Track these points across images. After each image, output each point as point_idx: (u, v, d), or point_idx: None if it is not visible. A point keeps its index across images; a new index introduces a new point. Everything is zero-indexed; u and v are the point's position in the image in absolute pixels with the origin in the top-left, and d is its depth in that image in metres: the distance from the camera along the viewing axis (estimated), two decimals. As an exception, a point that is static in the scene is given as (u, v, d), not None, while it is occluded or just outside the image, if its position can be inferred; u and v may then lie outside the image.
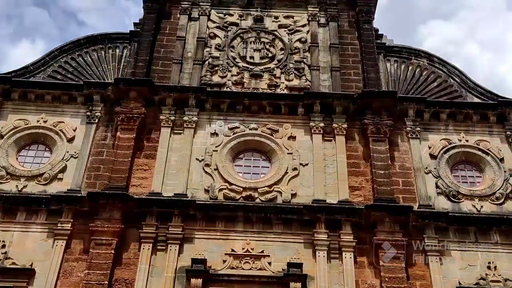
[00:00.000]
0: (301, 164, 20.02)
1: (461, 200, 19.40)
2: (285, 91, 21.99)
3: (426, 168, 20.06)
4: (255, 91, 21.90)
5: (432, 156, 20.39)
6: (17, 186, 19.17)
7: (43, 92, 21.25)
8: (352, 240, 18.16)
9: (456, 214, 18.79)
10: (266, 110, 21.21)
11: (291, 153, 20.25)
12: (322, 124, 20.77)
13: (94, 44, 23.15)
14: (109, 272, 17.28)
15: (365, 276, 17.76)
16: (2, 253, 17.71)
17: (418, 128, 20.88)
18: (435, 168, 20.09)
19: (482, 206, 19.23)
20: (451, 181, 19.87)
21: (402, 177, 19.84)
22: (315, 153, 20.19)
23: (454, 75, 22.74)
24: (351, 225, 18.39)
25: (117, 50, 23.12)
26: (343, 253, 17.96)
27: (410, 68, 22.91)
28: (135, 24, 24.21)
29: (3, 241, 17.92)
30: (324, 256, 17.86)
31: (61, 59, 22.69)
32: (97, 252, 17.58)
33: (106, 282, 17.07)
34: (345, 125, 20.75)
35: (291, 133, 20.76)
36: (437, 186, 19.72)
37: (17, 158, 20.15)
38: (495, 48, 62.35)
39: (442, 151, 20.52)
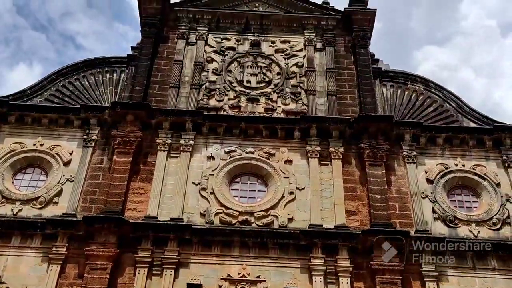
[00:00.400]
0: (297, 188, 19.98)
1: (458, 225, 19.35)
2: (282, 115, 22.06)
3: (423, 192, 20.04)
4: (252, 115, 21.96)
5: (429, 181, 20.38)
6: (12, 210, 19.07)
7: (40, 115, 21.25)
8: (349, 265, 18.05)
9: (453, 240, 18.69)
10: (263, 134, 21.23)
11: (288, 177, 20.22)
12: (318, 148, 20.78)
13: (92, 68, 23.24)
14: (104, 297, 17.09)
15: (362, 302, 17.64)
16: (-4, 278, 17.56)
17: (415, 153, 20.90)
18: (431, 193, 20.07)
19: (479, 232, 19.17)
20: (448, 206, 19.84)
21: (398, 201, 19.81)
22: (311, 177, 20.18)
23: (450, 100, 22.85)
24: (348, 250, 18.30)
25: (115, 74, 23.21)
26: (340, 278, 17.82)
27: (406, 93, 23.02)
28: (132, 48, 24.37)
29: (-3, 266, 17.81)
30: (320, 281, 17.73)
31: (58, 83, 22.75)
32: (91, 276, 17.42)
33: (101, 307, 16.88)
34: (341, 149, 20.76)
35: (287, 157, 20.75)
36: (433, 211, 19.67)
37: (12, 182, 20.07)
38: (490, 74, 62.85)
39: (438, 176, 20.51)
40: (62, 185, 19.77)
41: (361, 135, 20.91)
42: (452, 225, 19.37)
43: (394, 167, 20.67)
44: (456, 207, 20.03)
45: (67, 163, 20.33)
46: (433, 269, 18.17)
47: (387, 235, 18.25)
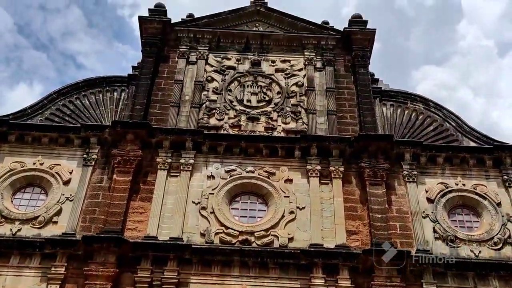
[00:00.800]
0: (298, 207, 19.93)
1: (459, 245, 19.26)
2: (282, 134, 22.08)
3: (423, 212, 19.98)
4: (252, 134, 21.99)
5: (429, 200, 20.34)
6: (11, 229, 18.98)
7: (40, 134, 21.25)
8: (349, 285, 17.95)
9: (454, 259, 18.56)
10: (263, 153, 21.22)
11: (288, 196, 20.18)
12: (319, 167, 20.76)
13: (93, 87, 23.30)
14: (102, 317, 16.97)
15: (363, 322, 17.52)
16: (-6, 298, 17.47)
17: (415, 172, 20.87)
18: (432, 212, 20.02)
19: (480, 251, 19.09)
20: (449, 225, 19.77)
21: (399, 221, 19.75)
22: (312, 197, 20.13)
23: (450, 119, 22.89)
24: (348, 269, 18.20)
25: (115, 93, 23.26)
26: (341, 299, 17.70)
27: (406, 112, 23.07)
28: (133, 67, 24.47)
29: (-4, 286, 17.71)
30: (321, 301, 17.60)
31: (59, 102, 22.79)
32: (90, 297, 17.32)
33: (100, 328, 16.77)
34: (342, 168, 20.74)
35: (287, 176, 20.73)
36: (434, 231, 19.61)
37: (12, 201, 20.00)
38: (488, 93, 63.21)
39: (439, 195, 20.47)
40: (61, 204, 19.70)
41: (361, 154, 20.90)
42: (453, 245, 19.30)
43: (395, 186, 20.63)
44: (457, 226, 19.96)
45: (66, 182, 20.28)
46: (435, 289, 18.06)
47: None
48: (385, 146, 20.92)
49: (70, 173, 20.50)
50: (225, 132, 22.08)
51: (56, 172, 20.47)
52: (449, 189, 20.68)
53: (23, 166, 20.61)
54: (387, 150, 20.94)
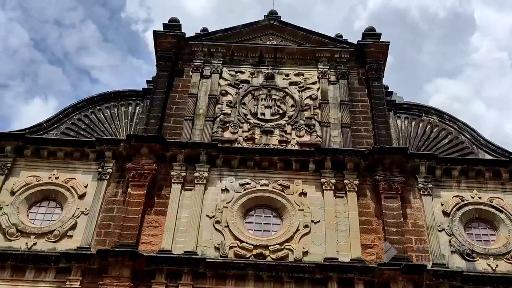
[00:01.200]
0: (312, 221, 19.84)
1: (475, 259, 19.05)
2: (296, 147, 22.04)
3: (439, 225, 19.81)
4: (266, 147, 21.97)
5: (445, 214, 20.16)
6: (26, 243, 19.05)
7: (55, 148, 21.37)
8: (365, 299, 17.80)
9: (471, 274, 18.41)
10: (277, 166, 21.18)
11: (302, 210, 20.10)
12: (333, 180, 20.69)
13: (108, 102, 23.45)
14: (117, 332, 16.97)
15: (379, 338, 17.34)
16: (9, 313, 17.50)
17: (430, 185, 20.72)
18: (448, 226, 19.84)
19: (497, 265, 18.85)
20: (465, 239, 19.58)
21: (415, 235, 19.58)
22: (326, 210, 20.04)
23: (465, 132, 22.74)
24: (364, 284, 18.05)
25: (130, 107, 23.39)
26: (356, 313, 17.56)
27: (421, 125, 22.96)
28: (148, 81, 24.64)
29: (11, 300, 17.74)
30: (336, 316, 17.48)
31: (74, 116, 22.94)
32: (105, 310, 17.34)
33: None
34: (356, 181, 20.65)
35: (302, 189, 20.66)
36: (450, 244, 19.42)
37: (27, 215, 20.09)
38: (501, 106, 62.73)
39: (455, 209, 20.29)
40: (76, 218, 19.77)
41: (376, 167, 20.80)
42: (470, 259, 19.09)
43: (410, 200, 20.49)
44: (473, 240, 19.76)
45: (82, 196, 20.37)
46: (452, 304, 17.87)
47: (404, 269, 17.99)
48: (400, 159, 20.81)
49: (85, 187, 20.59)
50: (239, 145, 22.07)
51: (71, 186, 20.56)
52: (465, 202, 20.49)
53: (38, 180, 20.73)
54: (402, 163, 20.82)
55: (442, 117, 23.24)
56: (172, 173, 20.89)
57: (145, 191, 20.23)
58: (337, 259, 18.72)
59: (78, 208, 19.99)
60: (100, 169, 21.00)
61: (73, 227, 19.54)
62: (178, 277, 18.17)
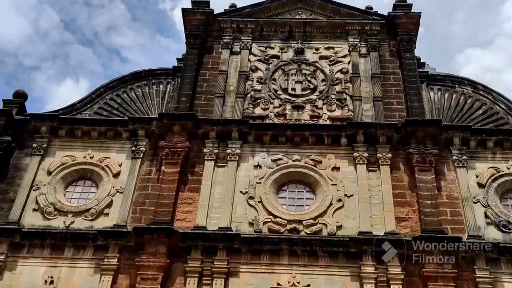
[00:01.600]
0: (345, 195, 19.79)
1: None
2: (328, 122, 21.91)
3: (474, 197, 19.57)
4: (298, 122, 21.89)
5: (480, 185, 19.90)
6: (64, 222, 19.46)
7: (89, 128, 21.64)
8: (400, 272, 17.73)
9: (508, 245, 18.22)
10: (309, 141, 21.12)
11: (335, 184, 20.05)
12: (366, 154, 20.56)
13: (139, 80, 23.58)
14: (155, 307, 17.26)
15: (415, 310, 17.29)
16: (50, 289, 17.93)
17: (465, 157, 20.44)
18: (483, 197, 19.59)
19: (534, 236, 18.64)
20: (501, 210, 19.33)
21: (449, 207, 19.39)
22: (359, 184, 19.96)
23: (500, 102, 22.29)
24: (398, 257, 17.99)
25: (161, 86, 23.49)
26: (391, 286, 17.52)
27: (454, 96, 22.57)
28: (178, 59, 24.67)
29: (51, 277, 18.11)
30: (371, 289, 17.47)
31: (106, 96, 23.15)
32: (143, 287, 17.63)
33: (153, 317, 17.06)
34: (389, 155, 20.48)
35: (334, 164, 20.59)
36: (486, 216, 19.20)
37: (64, 194, 20.47)
38: (534, 75, 61.22)
39: (490, 180, 20.00)
40: (112, 196, 20.07)
41: (409, 140, 20.58)
42: (506, 230, 18.88)
43: (444, 172, 20.26)
44: (509, 211, 19.50)
45: (116, 175, 20.64)
46: (488, 276, 17.70)
47: (439, 241, 17.90)
48: (433, 131, 20.55)
49: (120, 165, 20.83)
50: (271, 121, 22.05)
51: (106, 165, 20.85)
52: (501, 173, 20.19)
53: (74, 160, 21.06)
54: (436, 135, 20.56)
55: (476, 87, 22.81)
56: (204, 150, 21.00)
57: (179, 169, 20.39)
58: (371, 232, 18.68)
59: (113, 187, 20.29)
60: (133, 148, 21.21)
61: (109, 205, 19.85)
62: (213, 253, 18.36)
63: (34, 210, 19.83)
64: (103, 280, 17.96)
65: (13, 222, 19.33)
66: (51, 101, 63.00)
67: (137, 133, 21.45)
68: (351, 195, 19.77)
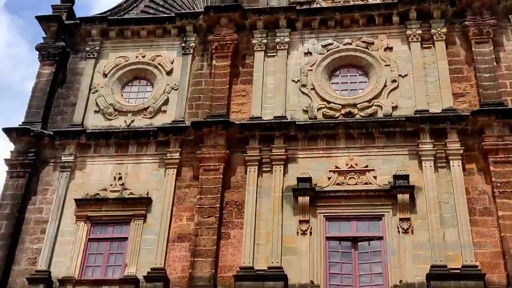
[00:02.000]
0: (400, 75, 19.47)
1: None
2: (378, 1, 21.15)
3: (538, 64, 18.92)
4: (346, 4, 21.27)
5: (543, 52, 19.14)
6: (125, 121, 20.05)
7: (138, 28, 21.73)
8: (459, 147, 17.66)
9: None
10: (359, 22, 20.61)
11: (389, 65, 19.71)
12: (419, 31, 19.96)
13: (183, -25, 23.17)
14: (219, 195, 17.93)
15: (475, 182, 17.30)
16: (120, 185, 18.77)
17: (525, 24, 19.60)
18: (547, 65, 18.90)
19: None
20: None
21: (509, 78, 18.85)
22: (414, 63, 19.55)
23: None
24: (457, 132, 17.85)
25: (206, -22, 23.03)
26: (451, 162, 17.50)
27: (511, -39, 21.23)
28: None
29: (120, 174, 18.96)
30: (431, 166, 17.51)
31: (151, -7, 22.97)
32: (206, 177, 18.26)
33: (218, 205, 17.73)
34: (444, 30, 19.82)
35: (387, 44, 20.14)
36: (549, 83, 18.61)
37: (122, 95, 20.96)
38: None
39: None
40: (167, 94, 20.40)
41: (464, 12, 19.83)
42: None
43: (503, 43, 19.54)
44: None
45: (169, 72, 20.86)
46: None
47: (499, 113, 17.61)
48: (490, 1, 19.64)
49: (171, 63, 21.01)
50: (318, 5, 21.50)
51: (158, 64, 21.05)
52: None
53: (127, 61, 21.34)
54: (493, 4, 19.71)
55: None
56: (253, 41, 20.84)
57: (229, 62, 20.43)
58: (428, 110, 18.49)
59: (167, 84, 20.58)
60: (183, 44, 21.25)
61: (166, 102, 20.23)
62: (270, 141, 18.67)
63: (95, 112, 20.48)
64: (168, 174, 18.68)
65: (78, 124, 20.09)
66: (99, 5, 62.84)
67: (185, 29, 21.40)
68: (406, 75, 19.44)
